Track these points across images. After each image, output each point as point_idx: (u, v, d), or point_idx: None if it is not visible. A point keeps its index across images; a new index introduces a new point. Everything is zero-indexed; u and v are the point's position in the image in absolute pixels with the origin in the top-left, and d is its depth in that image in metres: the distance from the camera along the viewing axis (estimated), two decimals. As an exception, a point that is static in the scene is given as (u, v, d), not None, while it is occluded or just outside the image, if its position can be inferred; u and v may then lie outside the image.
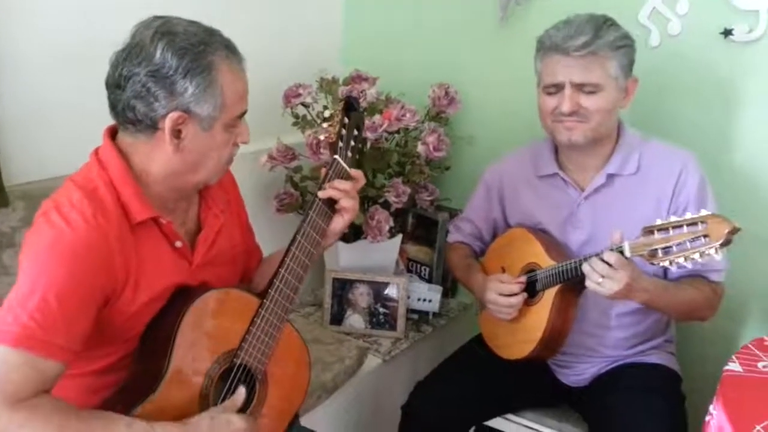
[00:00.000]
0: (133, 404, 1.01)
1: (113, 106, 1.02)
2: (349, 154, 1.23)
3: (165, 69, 0.97)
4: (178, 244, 1.09)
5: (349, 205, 1.18)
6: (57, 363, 0.94)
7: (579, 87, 1.34)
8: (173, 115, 0.99)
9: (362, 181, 1.23)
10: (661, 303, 1.34)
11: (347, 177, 1.20)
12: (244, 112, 1.08)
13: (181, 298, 1.08)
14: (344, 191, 1.17)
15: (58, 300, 0.93)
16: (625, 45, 1.34)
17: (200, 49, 0.99)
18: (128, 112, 1.00)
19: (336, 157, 1.21)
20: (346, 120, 1.23)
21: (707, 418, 1.14)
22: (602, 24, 1.33)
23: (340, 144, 1.22)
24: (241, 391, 1.09)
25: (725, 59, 1.57)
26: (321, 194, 1.17)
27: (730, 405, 1.09)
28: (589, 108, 1.34)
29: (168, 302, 1.09)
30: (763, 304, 1.65)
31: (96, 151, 1.06)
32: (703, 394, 1.26)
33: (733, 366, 1.20)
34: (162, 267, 1.07)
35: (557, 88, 1.36)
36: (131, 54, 0.98)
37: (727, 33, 1.54)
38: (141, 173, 1.04)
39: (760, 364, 1.20)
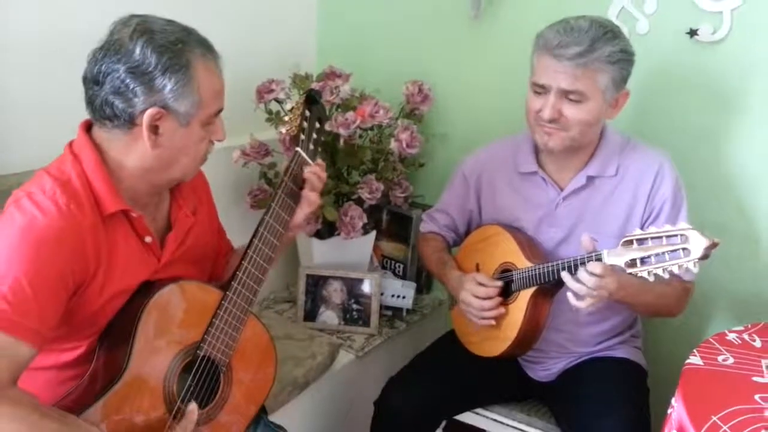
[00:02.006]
0: (95, 396, 1.01)
1: (90, 102, 1.03)
2: (311, 146, 1.25)
3: (144, 66, 0.98)
4: (148, 239, 1.10)
5: (312, 198, 1.21)
6: (29, 347, 0.95)
7: (564, 94, 1.31)
8: (151, 111, 1.00)
9: (322, 172, 1.24)
10: (635, 300, 1.36)
11: None
12: (220, 110, 1.10)
13: (144, 290, 1.09)
14: (313, 173, 1.21)
15: (31, 284, 0.94)
16: (621, 59, 1.30)
17: (178, 47, 1.01)
18: (106, 108, 1.00)
19: (298, 149, 1.23)
20: (308, 113, 1.25)
21: (669, 410, 1.17)
22: (601, 36, 1.28)
23: (302, 137, 1.24)
24: (192, 409, 1.08)
25: (691, 59, 1.60)
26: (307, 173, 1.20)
27: (689, 397, 1.11)
28: (569, 118, 1.33)
29: (132, 294, 1.09)
30: (729, 299, 1.69)
31: (70, 144, 1.07)
32: (668, 387, 1.29)
33: (695, 360, 1.23)
34: (131, 261, 1.08)
35: (544, 89, 1.34)
36: (110, 51, 1.00)
37: (692, 33, 1.57)
38: (116, 167, 1.05)
39: (720, 358, 1.23)
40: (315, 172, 1.21)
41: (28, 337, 0.94)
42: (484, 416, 1.59)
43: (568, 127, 1.34)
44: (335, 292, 1.86)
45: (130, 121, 1.01)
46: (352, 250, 1.90)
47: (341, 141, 1.76)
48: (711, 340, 1.30)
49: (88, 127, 1.07)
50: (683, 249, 1.13)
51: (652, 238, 1.16)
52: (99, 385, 1.04)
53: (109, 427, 1.01)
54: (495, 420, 1.58)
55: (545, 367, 1.54)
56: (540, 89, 1.35)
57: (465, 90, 1.96)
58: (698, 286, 1.48)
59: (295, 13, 2.13)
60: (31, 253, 0.95)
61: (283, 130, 1.38)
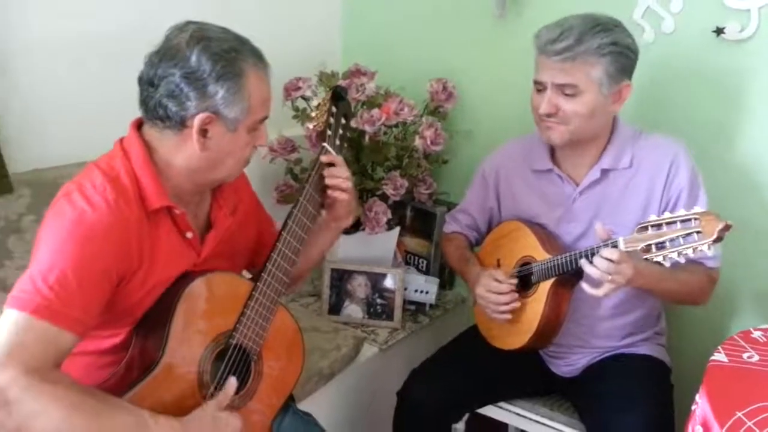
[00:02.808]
0: (132, 383, 1.04)
1: (144, 103, 1.07)
2: (338, 141, 1.28)
3: (199, 72, 1.02)
4: (189, 235, 1.14)
5: (342, 184, 1.25)
6: (72, 335, 0.98)
7: (560, 88, 1.35)
8: (202, 115, 1.04)
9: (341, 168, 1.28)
10: (658, 287, 1.37)
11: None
12: (266, 117, 1.14)
13: (179, 281, 1.12)
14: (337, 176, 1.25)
15: (77, 277, 0.97)
16: (613, 51, 1.32)
17: (232, 55, 1.04)
18: (159, 109, 1.05)
19: (325, 144, 1.26)
20: (334, 109, 1.29)
21: (693, 407, 1.18)
22: (589, 29, 1.31)
23: (329, 132, 1.27)
24: (232, 382, 1.12)
25: (717, 57, 1.60)
26: (323, 159, 1.24)
27: (713, 394, 1.12)
28: (567, 111, 1.36)
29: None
30: (753, 296, 1.68)
31: (121, 140, 1.11)
32: (691, 383, 1.29)
33: (719, 357, 1.23)
34: (172, 255, 1.12)
35: (542, 86, 1.38)
36: (167, 55, 1.04)
37: (719, 31, 1.56)
38: (164, 165, 1.09)
39: (744, 355, 1.24)
40: (333, 174, 1.25)
41: (71, 326, 0.97)
42: (507, 410, 1.60)
43: (566, 121, 1.37)
44: (359, 286, 1.89)
45: (181, 124, 1.05)
46: (376, 246, 1.93)
47: (366, 138, 1.79)
48: (736, 337, 1.30)
49: (138, 125, 1.11)
50: (697, 232, 1.14)
51: (666, 223, 1.18)
52: (135, 373, 1.08)
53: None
54: (518, 414, 1.59)
55: (568, 363, 1.55)
56: (539, 86, 1.39)
57: (489, 88, 1.98)
58: (721, 282, 1.47)
59: (321, 12, 2.16)
60: (79, 247, 0.98)
61: (310, 126, 1.41)
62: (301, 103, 1.84)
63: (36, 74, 1.48)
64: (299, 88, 1.81)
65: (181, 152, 1.08)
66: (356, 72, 1.84)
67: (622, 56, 1.34)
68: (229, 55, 1.04)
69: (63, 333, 0.97)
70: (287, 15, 2.03)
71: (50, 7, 1.48)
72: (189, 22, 1.07)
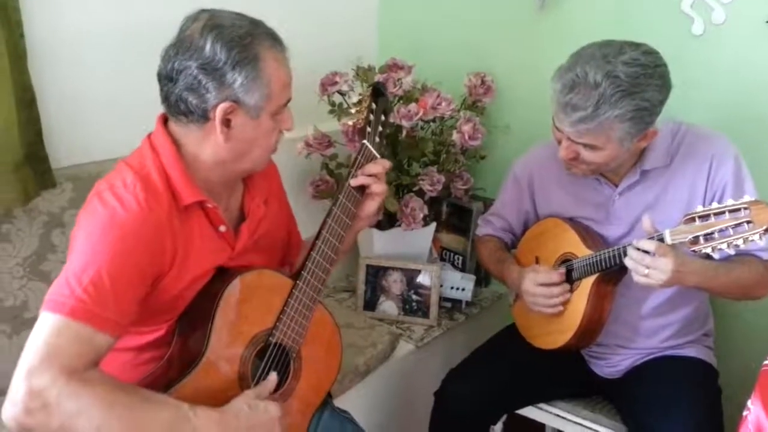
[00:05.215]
0: (174, 380, 1.05)
1: (166, 99, 1.06)
2: (377, 139, 1.26)
3: (215, 62, 1.01)
4: (222, 228, 1.13)
5: (379, 189, 1.22)
6: (108, 336, 0.98)
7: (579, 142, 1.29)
8: (224, 105, 1.03)
9: (387, 165, 1.25)
10: (713, 284, 1.31)
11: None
12: (289, 100, 1.11)
13: (220, 277, 1.12)
14: (373, 175, 1.21)
15: (110, 276, 0.97)
16: (635, 117, 1.22)
17: (247, 41, 1.02)
18: (180, 104, 1.04)
19: (365, 142, 1.24)
20: (374, 105, 1.27)
21: (745, 412, 1.13)
22: (609, 97, 1.19)
23: (368, 129, 1.25)
24: (273, 377, 1.11)
25: (771, 48, 1.54)
26: (353, 182, 1.21)
27: (768, 399, 1.08)
28: (587, 158, 1.31)
29: (208, 282, 1.12)
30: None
31: (149, 137, 1.11)
32: (742, 389, 1.25)
33: (773, 361, 1.18)
34: (206, 249, 1.11)
35: (560, 130, 1.31)
36: (182, 48, 1.02)
37: (774, 21, 1.51)
38: (192, 159, 1.08)
39: (801, 360, 1.18)
40: (374, 173, 1.22)
41: (106, 327, 0.97)
42: (546, 411, 1.57)
43: (588, 163, 1.33)
44: (395, 282, 1.88)
45: (203, 116, 1.04)
46: (412, 242, 1.91)
47: (403, 133, 1.77)
48: (791, 340, 1.25)
49: (165, 120, 1.11)
50: (747, 222, 1.09)
51: (714, 213, 1.13)
52: (175, 370, 1.08)
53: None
54: (557, 415, 1.56)
55: (610, 363, 1.51)
56: (558, 129, 1.32)
57: (528, 81, 1.94)
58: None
59: (358, 6, 2.15)
60: (112, 247, 0.98)
61: (351, 123, 1.40)
62: (337, 98, 1.83)
63: (78, 70, 1.50)
64: (336, 83, 1.79)
65: (206, 145, 1.07)
66: (393, 66, 1.82)
67: (647, 115, 1.24)
68: (244, 40, 1.02)
69: (98, 334, 0.96)
70: (324, 10, 2.02)
71: (94, 2, 1.50)
72: (202, 11, 1.05)
